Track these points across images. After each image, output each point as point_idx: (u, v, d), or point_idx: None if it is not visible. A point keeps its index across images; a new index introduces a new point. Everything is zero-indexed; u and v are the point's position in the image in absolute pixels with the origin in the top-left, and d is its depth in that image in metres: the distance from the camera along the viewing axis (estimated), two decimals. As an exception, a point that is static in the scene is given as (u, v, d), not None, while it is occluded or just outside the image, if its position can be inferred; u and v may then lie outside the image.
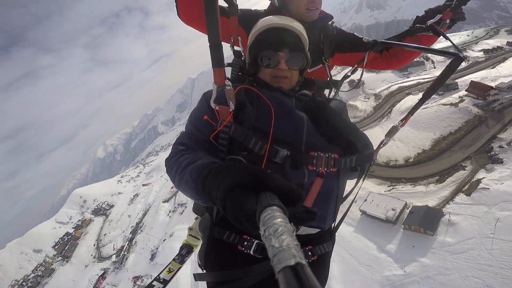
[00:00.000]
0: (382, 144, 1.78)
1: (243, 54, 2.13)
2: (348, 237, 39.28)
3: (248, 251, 1.30)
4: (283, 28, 1.61)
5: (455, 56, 1.54)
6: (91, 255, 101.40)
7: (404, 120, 1.75)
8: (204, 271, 1.46)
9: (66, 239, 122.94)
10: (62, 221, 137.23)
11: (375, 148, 1.73)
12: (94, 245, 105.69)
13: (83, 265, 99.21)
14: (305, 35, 1.69)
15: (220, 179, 0.87)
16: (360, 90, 69.57)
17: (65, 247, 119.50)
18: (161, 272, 2.13)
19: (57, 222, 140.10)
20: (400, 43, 2.11)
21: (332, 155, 1.41)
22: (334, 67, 2.55)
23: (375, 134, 53.05)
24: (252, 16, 2.19)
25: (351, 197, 1.76)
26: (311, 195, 1.36)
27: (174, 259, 2.18)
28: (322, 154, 1.39)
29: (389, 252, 34.74)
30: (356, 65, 2.29)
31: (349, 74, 2.33)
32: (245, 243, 1.31)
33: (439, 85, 1.67)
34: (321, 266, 1.53)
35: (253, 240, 1.32)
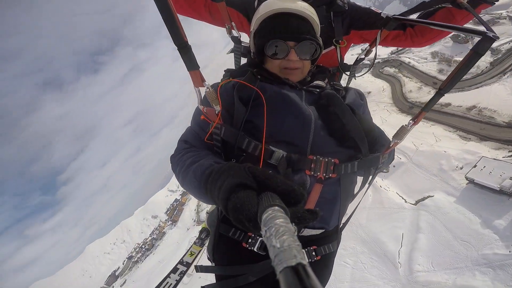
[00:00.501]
0: (390, 147, 1.58)
1: (241, 39, 2.07)
2: (446, 208, 34.39)
3: (252, 248, 1.34)
4: (290, 13, 1.47)
5: (483, 36, 1.23)
6: (192, 219, 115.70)
7: (416, 118, 1.54)
8: (213, 263, 1.52)
9: (175, 205, 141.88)
10: (172, 189, 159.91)
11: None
12: (194, 209, 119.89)
13: (186, 228, 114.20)
14: (316, 19, 1.55)
15: (222, 180, 0.88)
16: (470, 44, 59.95)
17: (174, 212, 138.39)
18: (184, 256, 2.28)
19: (168, 190, 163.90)
20: (414, 20, 1.87)
21: (332, 160, 1.35)
22: (351, 45, 2.37)
23: (493, 91, 46.99)
24: None
25: (359, 195, 1.72)
26: (311, 201, 1.31)
27: (195, 243, 2.31)
28: (321, 159, 1.33)
29: (496, 229, 29.21)
30: (368, 47, 2.13)
31: (363, 56, 2.23)
32: (250, 240, 1.35)
33: (462, 75, 1.34)
34: (323, 266, 1.54)
35: (257, 237, 1.35)
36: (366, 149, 1.43)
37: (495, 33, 1.23)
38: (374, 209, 38.78)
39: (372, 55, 2.21)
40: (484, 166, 34.48)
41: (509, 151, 37.24)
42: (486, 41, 1.22)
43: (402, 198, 39.69)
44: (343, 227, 1.65)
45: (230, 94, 1.41)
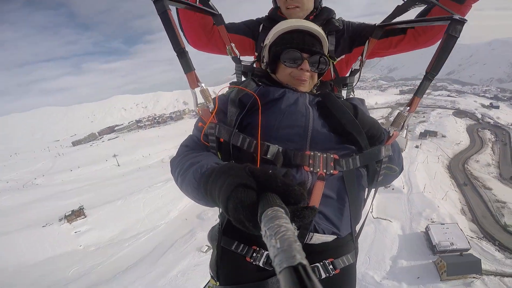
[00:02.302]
0: (390, 137, 1.63)
1: (240, 58, 2.29)
2: (391, 230, 42.18)
3: (257, 263, 1.36)
4: (308, 31, 1.73)
5: (451, 20, 1.42)
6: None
7: (411, 104, 1.63)
8: (217, 282, 1.50)
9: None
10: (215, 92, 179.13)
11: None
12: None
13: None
14: (326, 40, 1.81)
15: (222, 180, 0.94)
16: None
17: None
18: None
19: (214, 92, 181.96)
20: (393, 22, 2.05)
21: (331, 155, 1.41)
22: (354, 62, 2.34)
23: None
24: (253, 23, 2.40)
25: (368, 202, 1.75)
26: (314, 200, 1.35)
27: (212, 276, 1.98)
28: (319, 154, 1.39)
29: (396, 264, 37.16)
30: (362, 58, 2.19)
31: (358, 67, 2.22)
32: (254, 254, 1.37)
33: (444, 58, 1.52)
34: (345, 280, 1.50)
35: (262, 251, 1.37)
36: (365, 142, 1.48)
37: (461, 15, 1.39)
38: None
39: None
40: (448, 228, 39.80)
41: (478, 237, 42.41)
42: (455, 23, 1.40)
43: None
44: (358, 235, 1.65)
45: (227, 98, 1.56)
